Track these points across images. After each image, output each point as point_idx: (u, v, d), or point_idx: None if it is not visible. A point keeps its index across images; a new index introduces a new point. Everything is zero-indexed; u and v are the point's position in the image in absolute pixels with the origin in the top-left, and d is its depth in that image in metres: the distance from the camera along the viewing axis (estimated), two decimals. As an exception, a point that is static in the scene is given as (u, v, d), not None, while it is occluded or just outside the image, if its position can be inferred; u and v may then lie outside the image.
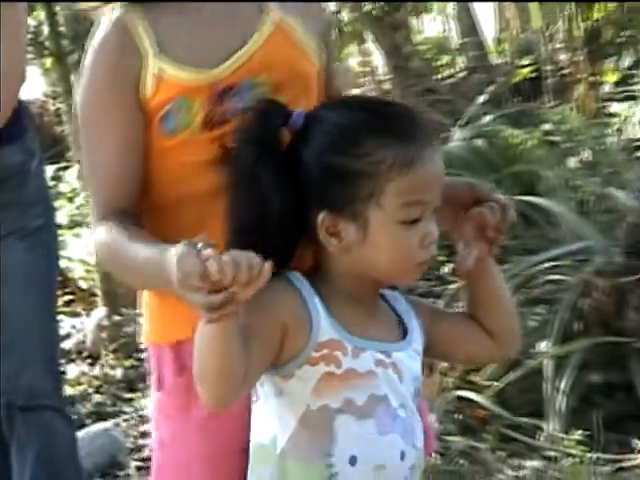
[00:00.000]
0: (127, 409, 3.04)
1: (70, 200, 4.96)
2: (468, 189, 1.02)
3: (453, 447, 2.42)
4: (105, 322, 3.40)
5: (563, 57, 2.88)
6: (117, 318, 3.39)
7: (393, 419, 0.95)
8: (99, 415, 3.00)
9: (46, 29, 3.88)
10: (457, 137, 3.87)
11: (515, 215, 1.01)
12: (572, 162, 3.83)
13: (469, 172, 3.28)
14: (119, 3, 1.02)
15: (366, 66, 7.07)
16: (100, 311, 3.51)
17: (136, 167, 1.01)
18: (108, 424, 2.92)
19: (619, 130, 3.67)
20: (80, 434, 2.45)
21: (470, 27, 6.78)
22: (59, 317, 2.48)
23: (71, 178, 5.16)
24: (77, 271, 3.97)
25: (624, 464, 2.25)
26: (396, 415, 0.95)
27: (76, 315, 3.73)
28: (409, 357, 0.98)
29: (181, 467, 1.06)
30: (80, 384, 3.17)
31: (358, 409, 0.93)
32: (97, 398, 3.13)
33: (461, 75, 6.18)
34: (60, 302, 3.34)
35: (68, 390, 2.95)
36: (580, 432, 2.29)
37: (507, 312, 1.05)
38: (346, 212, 0.90)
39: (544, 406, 2.42)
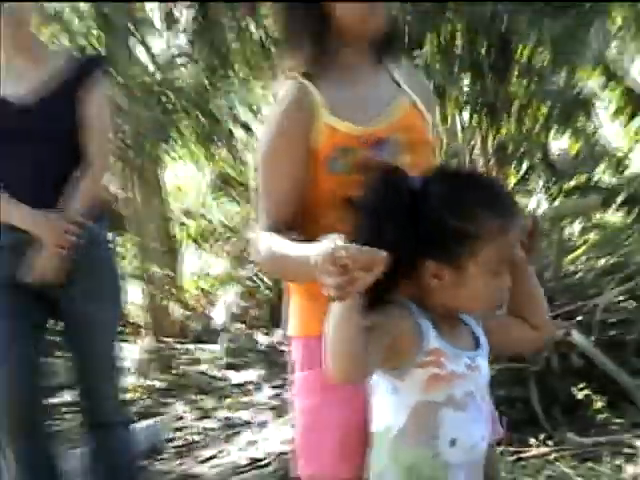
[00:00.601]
0: (165, 410, 3.90)
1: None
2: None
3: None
4: (149, 348, 4.41)
5: (480, 163, 3.91)
6: (159, 345, 4.40)
7: (479, 410, 1.15)
8: (144, 415, 3.78)
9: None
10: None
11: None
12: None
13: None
14: (301, 72, 1.27)
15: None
16: (146, 340, 4.53)
17: (298, 194, 1.25)
18: (150, 421, 3.72)
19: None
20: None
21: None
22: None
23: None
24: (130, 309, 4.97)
25: (522, 455, 2.82)
26: (480, 407, 1.15)
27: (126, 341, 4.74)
28: (484, 359, 1.17)
29: (319, 431, 1.25)
30: (129, 392, 4.11)
31: (457, 403, 1.12)
32: (142, 402, 4.00)
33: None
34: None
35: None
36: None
37: (543, 304, 1.24)
38: (449, 262, 1.08)
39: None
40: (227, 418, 3.67)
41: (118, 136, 3.89)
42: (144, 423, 3.54)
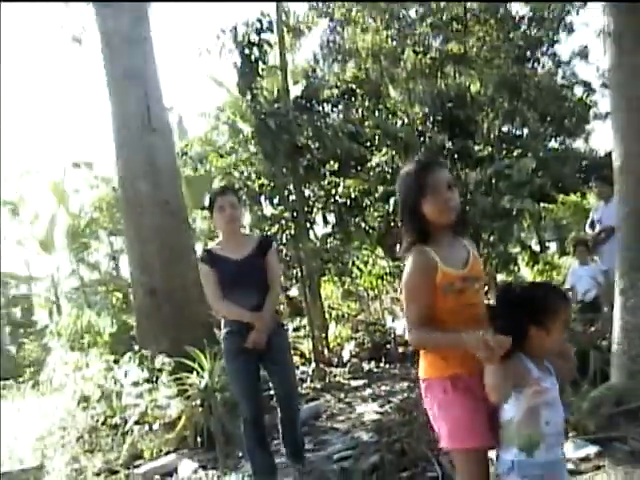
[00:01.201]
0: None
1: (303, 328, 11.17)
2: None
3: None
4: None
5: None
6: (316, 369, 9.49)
7: (559, 406, 2.48)
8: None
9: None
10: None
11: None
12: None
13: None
14: (417, 243, 2.58)
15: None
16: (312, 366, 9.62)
17: (431, 305, 2.51)
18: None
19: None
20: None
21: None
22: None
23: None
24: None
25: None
26: (559, 405, 2.49)
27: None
28: (554, 380, 2.49)
29: (471, 420, 2.53)
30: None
31: (548, 403, 2.42)
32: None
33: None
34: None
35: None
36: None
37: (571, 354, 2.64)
38: (543, 329, 2.41)
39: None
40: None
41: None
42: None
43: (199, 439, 5.77)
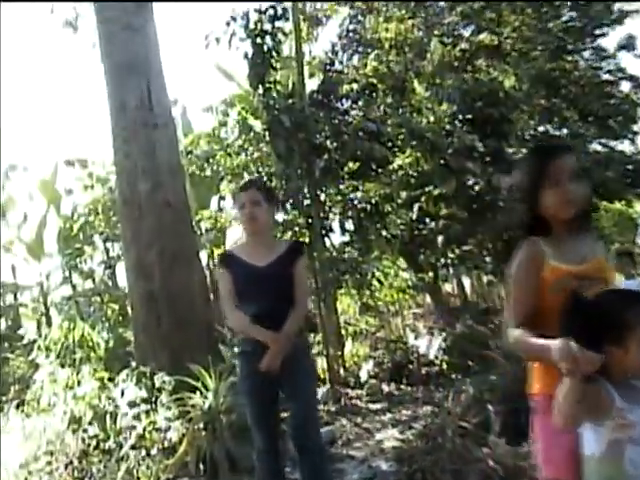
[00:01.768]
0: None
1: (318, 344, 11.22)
2: None
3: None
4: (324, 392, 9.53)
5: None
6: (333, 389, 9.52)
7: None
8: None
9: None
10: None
11: None
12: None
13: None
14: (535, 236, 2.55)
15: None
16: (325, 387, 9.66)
17: (534, 305, 2.50)
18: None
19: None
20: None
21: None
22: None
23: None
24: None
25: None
26: None
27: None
28: None
29: (552, 447, 2.50)
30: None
31: (635, 440, 2.23)
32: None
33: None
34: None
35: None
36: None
37: None
38: (621, 348, 2.22)
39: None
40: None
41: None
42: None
43: (202, 466, 5.72)
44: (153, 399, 6.33)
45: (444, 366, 9.27)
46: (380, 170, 10.58)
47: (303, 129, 9.12)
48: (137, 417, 6.15)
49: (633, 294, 2.36)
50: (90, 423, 6.49)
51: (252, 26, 9.03)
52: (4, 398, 10.65)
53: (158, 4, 8.72)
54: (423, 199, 10.65)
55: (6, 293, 18.69)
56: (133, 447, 5.95)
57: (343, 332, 10.66)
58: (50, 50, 46.59)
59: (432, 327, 11.28)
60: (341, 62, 13.85)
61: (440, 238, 10.79)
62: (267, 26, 9.07)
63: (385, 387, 9.17)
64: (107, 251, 16.40)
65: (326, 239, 10.68)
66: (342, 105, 10.44)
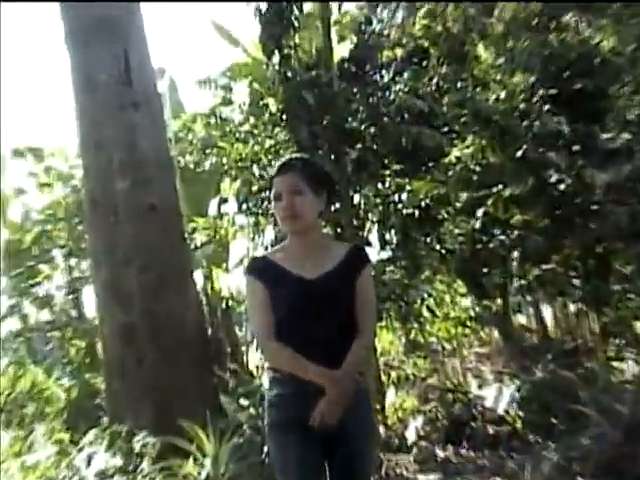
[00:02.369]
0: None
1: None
2: None
3: None
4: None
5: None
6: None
7: None
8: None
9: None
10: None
11: None
12: None
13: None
14: None
15: None
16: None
17: None
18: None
19: None
20: None
21: None
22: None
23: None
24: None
25: None
26: None
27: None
28: None
29: None
30: None
31: None
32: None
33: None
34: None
35: None
36: None
37: None
38: None
39: None
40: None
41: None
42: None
43: None
44: (131, 468, 6.23)
45: (518, 424, 9.16)
46: (432, 164, 10.58)
47: (331, 110, 9.16)
48: (110, 493, 6.06)
49: None
50: (46, 504, 6.43)
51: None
52: None
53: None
54: (490, 202, 10.61)
55: None
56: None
57: (384, 378, 10.63)
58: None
59: (501, 372, 11.23)
60: (381, 20, 13.84)
61: (513, 254, 10.75)
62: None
63: (439, 451, 9.11)
64: (70, 270, 16.33)
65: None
66: (382, 78, 10.45)
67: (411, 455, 8.94)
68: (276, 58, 9.29)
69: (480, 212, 9.95)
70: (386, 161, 10.30)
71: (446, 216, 10.79)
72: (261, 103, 11.16)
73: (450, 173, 10.66)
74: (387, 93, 10.26)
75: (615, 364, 9.97)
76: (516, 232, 10.74)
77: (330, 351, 3.70)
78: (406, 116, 9.82)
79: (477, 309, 10.99)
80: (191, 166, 12.16)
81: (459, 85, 11.14)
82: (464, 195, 10.51)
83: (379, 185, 10.44)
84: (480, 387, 10.14)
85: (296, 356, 3.69)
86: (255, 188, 10.66)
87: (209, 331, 9.54)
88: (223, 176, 11.84)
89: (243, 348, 10.90)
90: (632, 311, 9.96)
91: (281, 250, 4.05)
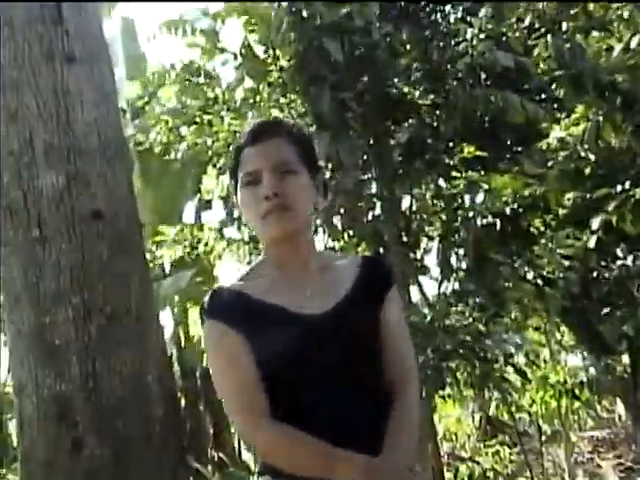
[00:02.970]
0: None
1: None
2: None
3: None
4: None
5: None
6: None
7: None
8: None
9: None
10: None
11: None
12: None
13: None
14: None
15: None
16: None
17: None
18: None
19: None
20: None
21: None
22: None
23: None
24: None
25: None
26: None
27: None
28: None
29: None
30: None
31: None
32: None
33: None
34: None
35: None
36: None
37: None
38: None
39: None
40: None
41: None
42: None
43: None
44: None
45: None
46: (522, 149, 10.42)
47: (368, 67, 8.88)
48: None
49: None
50: None
51: None
52: None
53: None
54: (611, 207, 10.09)
55: None
56: None
57: (448, 476, 10.23)
58: None
59: (631, 467, 10.92)
60: None
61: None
62: None
63: None
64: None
65: (413, 286, 10.28)
66: (445, 17, 10.21)
67: None
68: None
69: (596, 223, 9.57)
70: (452, 145, 9.86)
71: (543, 229, 10.46)
72: (263, 56, 10.90)
73: (550, 163, 10.43)
74: (454, 41, 9.89)
75: None
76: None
77: (359, 432, 3.27)
78: (483, 76, 9.42)
79: (592, 371, 10.50)
80: (156, 151, 11.78)
81: (564, 28, 10.81)
82: (571, 197, 10.13)
83: (441, 181, 9.98)
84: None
85: (312, 441, 3.18)
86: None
87: (182, 402, 9.43)
88: (205, 167, 11.62)
89: (232, 428, 10.60)
90: None
91: (256, 275, 3.62)
